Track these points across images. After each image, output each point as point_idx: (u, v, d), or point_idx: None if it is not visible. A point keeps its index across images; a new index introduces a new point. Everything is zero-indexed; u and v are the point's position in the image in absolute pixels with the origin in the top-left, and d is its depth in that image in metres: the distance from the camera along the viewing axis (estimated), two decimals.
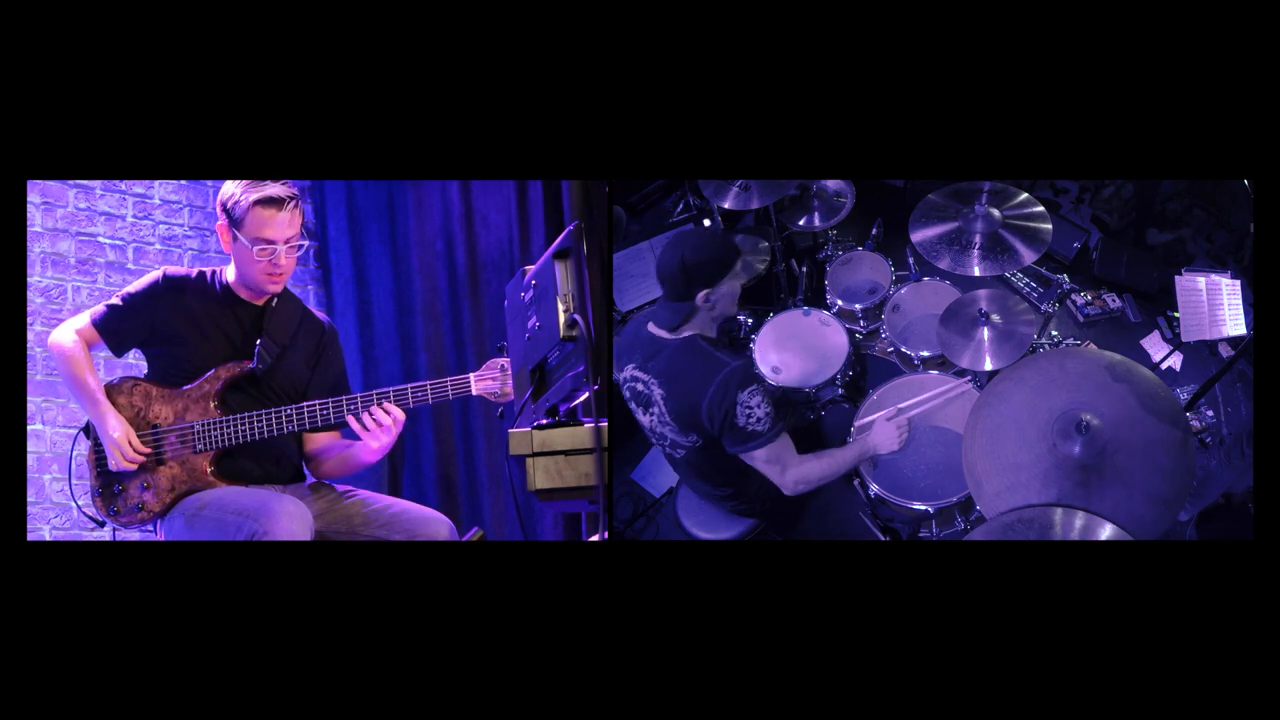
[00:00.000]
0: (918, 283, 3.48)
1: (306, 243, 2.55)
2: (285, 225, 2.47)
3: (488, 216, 4.04)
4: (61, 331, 2.52)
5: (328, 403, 2.46)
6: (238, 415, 2.47)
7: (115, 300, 2.53)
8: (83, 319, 2.53)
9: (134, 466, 2.45)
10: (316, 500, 2.54)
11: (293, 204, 2.48)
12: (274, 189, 2.47)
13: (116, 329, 2.52)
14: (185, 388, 2.50)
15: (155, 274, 2.54)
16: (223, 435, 2.46)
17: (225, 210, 2.50)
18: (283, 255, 2.49)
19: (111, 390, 2.50)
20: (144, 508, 2.46)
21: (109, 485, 2.48)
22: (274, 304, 2.58)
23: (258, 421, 2.46)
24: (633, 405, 2.65)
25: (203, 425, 2.47)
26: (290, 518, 2.29)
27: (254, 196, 2.46)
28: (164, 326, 2.51)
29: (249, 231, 2.46)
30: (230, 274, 2.57)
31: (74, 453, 2.55)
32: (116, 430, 2.44)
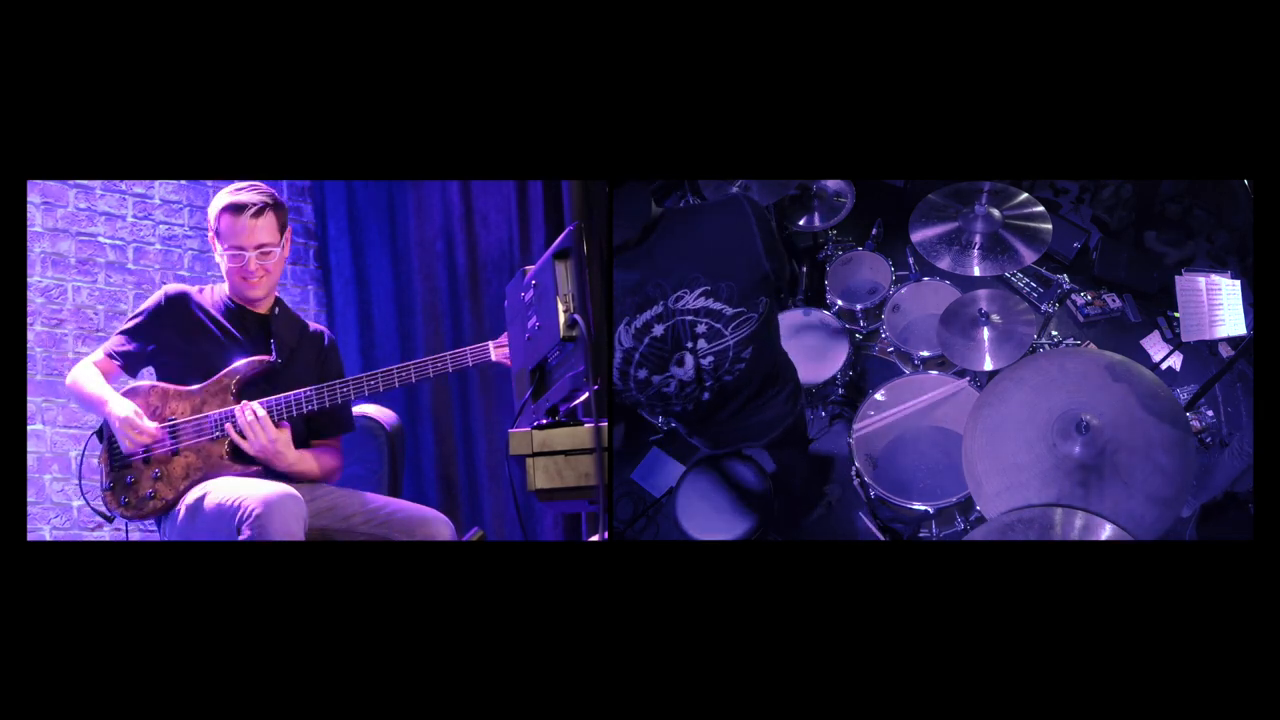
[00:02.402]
0: (918, 283, 3.48)
1: (280, 251, 2.56)
2: (250, 231, 2.50)
3: (488, 216, 4.04)
4: (77, 370, 2.54)
5: (347, 381, 2.49)
6: (258, 400, 2.48)
7: (125, 327, 2.57)
8: (97, 354, 2.56)
9: (147, 442, 2.44)
10: (316, 499, 2.54)
11: (255, 210, 2.50)
12: (243, 195, 2.51)
13: (129, 352, 2.55)
14: (203, 384, 2.52)
15: (158, 294, 2.59)
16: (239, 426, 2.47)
17: (210, 219, 2.57)
18: (252, 261, 2.51)
19: (129, 396, 2.50)
20: (157, 495, 2.46)
21: (120, 478, 2.48)
22: (275, 312, 2.63)
23: (277, 405, 2.47)
24: (656, 381, 2.40)
25: (220, 415, 2.49)
26: (286, 518, 2.29)
27: (223, 202, 2.52)
28: (172, 341, 2.53)
29: (224, 239, 2.52)
30: (227, 285, 2.63)
31: (84, 453, 2.54)
32: (122, 410, 2.43)
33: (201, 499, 2.41)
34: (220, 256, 2.57)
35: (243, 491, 2.34)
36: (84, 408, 2.58)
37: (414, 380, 2.49)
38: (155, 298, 2.58)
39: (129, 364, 2.57)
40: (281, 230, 2.56)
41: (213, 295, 2.61)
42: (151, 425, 2.45)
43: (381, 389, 2.49)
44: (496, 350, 2.50)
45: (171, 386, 2.52)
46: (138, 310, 2.59)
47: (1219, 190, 3.65)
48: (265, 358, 2.54)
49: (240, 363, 2.52)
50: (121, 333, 2.56)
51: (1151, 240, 3.74)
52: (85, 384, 2.51)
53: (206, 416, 2.48)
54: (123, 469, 2.48)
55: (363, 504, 2.55)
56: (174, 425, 2.48)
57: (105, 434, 2.52)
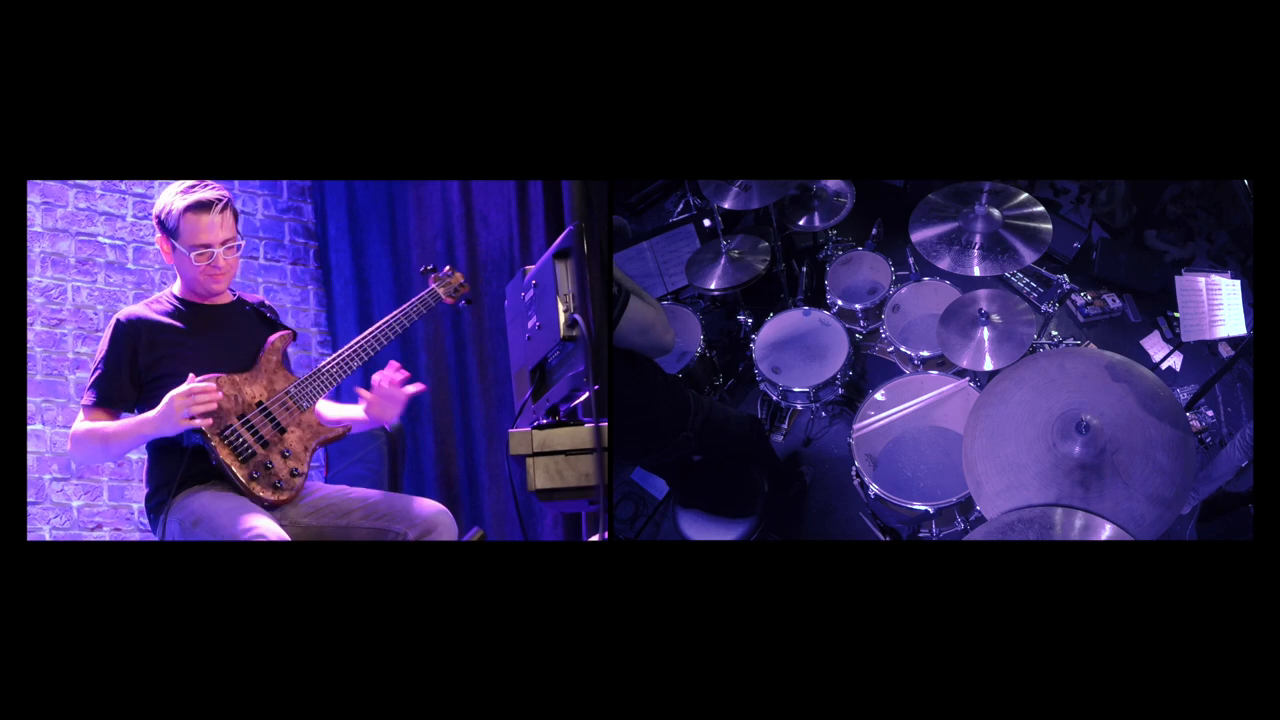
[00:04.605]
0: (918, 283, 3.49)
1: (243, 242, 2.57)
2: (218, 227, 2.49)
3: (488, 216, 4.04)
4: (79, 434, 2.46)
5: (377, 328, 2.65)
6: (319, 368, 2.57)
7: (97, 374, 2.49)
8: (81, 416, 2.48)
9: (215, 405, 2.37)
10: (312, 498, 2.54)
11: (221, 205, 2.49)
12: (203, 193, 2.49)
13: (113, 392, 2.47)
14: (255, 368, 2.53)
15: (110, 325, 2.51)
16: (314, 389, 2.55)
17: (160, 223, 2.51)
18: (220, 257, 2.51)
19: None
20: (298, 473, 2.50)
21: (259, 467, 2.45)
22: (231, 302, 2.62)
23: (335, 362, 2.57)
24: None
25: (297, 388, 2.54)
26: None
27: (184, 203, 2.48)
28: (149, 364, 2.48)
29: (185, 239, 2.48)
30: (177, 287, 2.58)
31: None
32: (170, 399, 2.35)
33: (196, 525, 2.37)
34: (174, 258, 2.52)
35: (247, 521, 2.31)
36: (114, 453, 2.49)
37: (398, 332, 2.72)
38: (110, 329, 2.50)
39: (123, 401, 2.48)
40: (236, 224, 2.57)
41: (160, 305, 2.56)
42: (205, 388, 2.39)
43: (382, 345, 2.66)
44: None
45: (235, 375, 2.49)
46: (100, 351, 2.49)
47: (1219, 190, 3.65)
48: (285, 331, 2.61)
49: (275, 337, 2.58)
50: (97, 379, 2.47)
51: (1151, 240, 3.74)
52: (103, 437, 2.42)
53: (287, 392, 2.53)
54: (248, 459, 2.45)
55: (362, 501, 2.55)
56: (266, 411, 2.49)
57: (209, 437, 2.42)
